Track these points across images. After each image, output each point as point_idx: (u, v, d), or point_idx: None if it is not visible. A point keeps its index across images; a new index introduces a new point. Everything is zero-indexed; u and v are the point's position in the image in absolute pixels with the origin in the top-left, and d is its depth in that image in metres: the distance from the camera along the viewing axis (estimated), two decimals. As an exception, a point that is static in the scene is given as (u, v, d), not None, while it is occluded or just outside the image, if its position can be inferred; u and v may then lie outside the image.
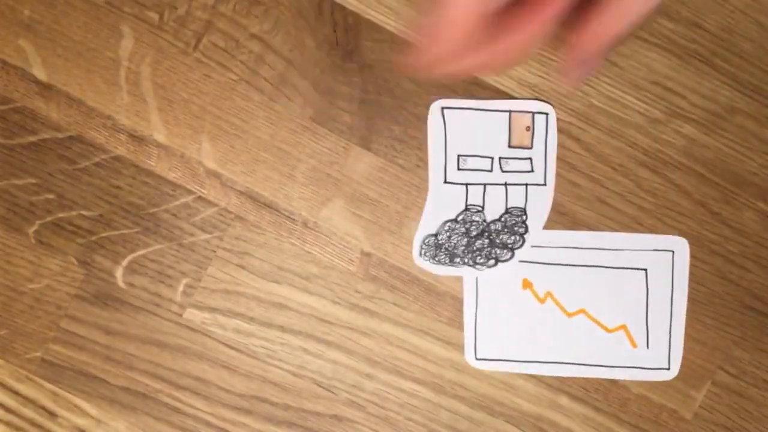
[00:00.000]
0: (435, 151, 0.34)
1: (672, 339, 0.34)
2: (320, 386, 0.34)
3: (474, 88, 0.34)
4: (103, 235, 0.34)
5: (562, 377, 0.34)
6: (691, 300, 0.34)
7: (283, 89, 0.34)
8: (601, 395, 0.34)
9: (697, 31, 0.34)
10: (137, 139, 0.33)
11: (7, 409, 0.33)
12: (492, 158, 0.34)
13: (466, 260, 0.34)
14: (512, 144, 0.34)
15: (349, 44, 0.33)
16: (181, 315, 0.34)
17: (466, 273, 0.34)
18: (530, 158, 0.34)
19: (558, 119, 0.34)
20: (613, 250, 0.34)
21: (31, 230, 0.33)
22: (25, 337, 0.33)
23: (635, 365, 0.34)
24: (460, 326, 0.34)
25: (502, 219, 0.34)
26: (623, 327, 0.34)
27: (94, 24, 0.33)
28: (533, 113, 0.34)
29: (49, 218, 0.33)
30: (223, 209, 0.34)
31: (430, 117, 0.34)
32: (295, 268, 0.34)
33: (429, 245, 0.34)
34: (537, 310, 0.34)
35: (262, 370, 0.34)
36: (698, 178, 0.34)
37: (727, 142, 0.34)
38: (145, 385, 0.34)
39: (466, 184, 0.34)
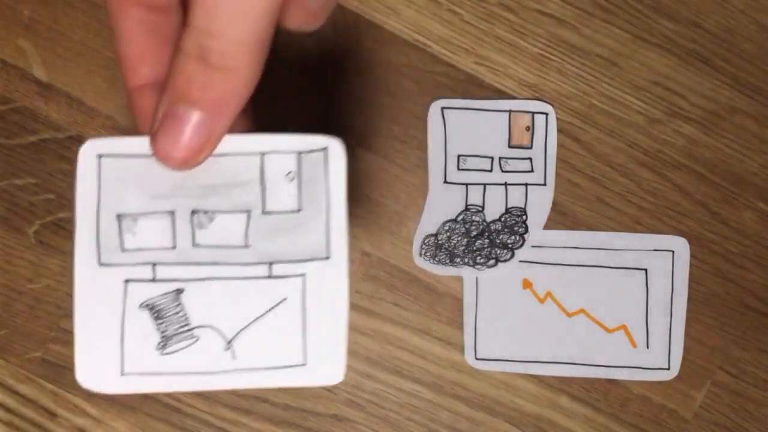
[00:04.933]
0: (435, 151, 0.34)
1: (672, 339, 0.34)
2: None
3: (474, 88, 0.34)
4: (103, 235, 0.34)
5: (562, 377, 0.34)
6: (691, 300, 0.34)
7: (282, 89, 0.34)
8: (601, 395, 0.34)
9: (697, 31, 0.34)
10: (137, 139, 0.33)
11: (7, 409, 0.33)
12: (492, 158, 0.34)
13: (466, 260, 0.34)
14: (512, 144, 0.34)
15: (349, 44, 0.33)
16: (181, 315, 0.34)
17: (466, 273, 0.34)
18: (530, 158, 0.34)
19: (558, 119, 0.34)
20: (613, 250, 0.34)
21: (31, 230, 0.33)
22: (25, 337, 0.33)
23: (635, 365, 0.34)
24: (460, 326, 0.34)
25: (502, 219, 0.34)
26: (623, 327, 0.34)
27: (94, 24, 0.33)
28: (533, 113, 0.34)
29: (49, 218, 0.33)
30: (223, 209, 0.34)
31: (430, 117, 0.34)
32: (295, 268, 0.34)
33: (429, 245, 0.34)
34: (537, 310, 0.34)
35: (262, 370, 0.34)
36: (698, 178, 0.34)
37: (727, 142, 0.34)
38: (145, 385, 0.34)
39: (466, 184, 0.34)
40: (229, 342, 0.20)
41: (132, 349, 0.20)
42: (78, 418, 0.33)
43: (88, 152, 0.20)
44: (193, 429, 0.34)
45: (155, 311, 0.20)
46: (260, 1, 0.17)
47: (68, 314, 0.34)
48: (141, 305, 0.20)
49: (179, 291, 0.20)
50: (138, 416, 0.34)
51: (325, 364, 0.20)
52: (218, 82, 0.18)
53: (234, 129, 0.19)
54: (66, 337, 0.34)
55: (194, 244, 0.20)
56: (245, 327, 0.20)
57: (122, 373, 0.20)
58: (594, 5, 0.34)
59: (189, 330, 0.20)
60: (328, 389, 0.34)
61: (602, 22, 0.34)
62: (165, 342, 0.20)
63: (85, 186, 0.20)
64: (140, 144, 0.20)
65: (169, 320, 0.20)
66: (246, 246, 0.20)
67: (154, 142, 0.19)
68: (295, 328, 0.20)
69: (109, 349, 0.20)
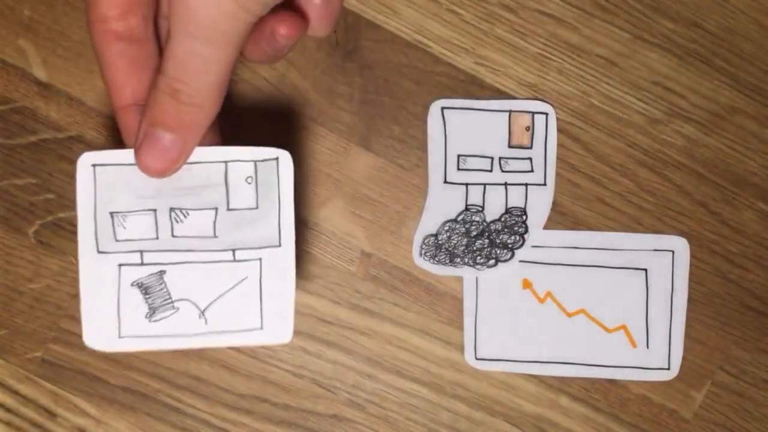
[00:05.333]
0: (435, 151, 0.34)
1: (672, 339, 0.34)
2: (320, 386, 0.34)
3: (474, 88, 0.34)
4: (103, 235, 0.34)
5: (562, 377, 0.34)
6: (691, 300, 0.34)
7: (282, 89, 0.34)
8: (601, 395, 0.34)
9: (697, 31, 0.34)
10: (137, 139, 0.33)
11: (7, 409, 0.33)
12: (492, 158, 0.34)
13: (466, 260, 0.34)
14: (512, 144, 0.34)
15: (349, 44, 0.33)
16: (181, 315, 0.34)
17: (466, 273, 0.34)
18: (530, 158, 0.34)
19: (558, 119, 0.34)
20: (613, 250, 0.34)
21: (31, 230, 0.33)
22: (25, 337, 0.33)
23: (635, 365, 0.34)
24: (460, 326, 0.34)
25: (502, 219, 0.34)
26: (623, 327, 0.34)
27: (94, 24, 0.33)
28: (533, 113, 0.34)
29: (49, 218, 0.33)
30: (223, 209, 0.34)
31: (430, 117, 0.34)
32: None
33: (429, 245, 0.34)
34: (537, 310, 0.34)
35: (262, 370, 0.34)
36: (698, 178, 0.34)
37: (727, 142, 0.34)
38: (145, 385, 0.34)
39: (466, 184, 0.34)
40: (203, 311, 0.26)
41: (126, 317, 0.25)
42: (78, 418, 0.33)
43: (84, 162, 0.25)
44: (193, 429, 0.34)
45: (144, 288, 0.25)
46: (219, 59, 0.22)
47: (68, 314, 0.34)
48: (132, 284, 0.25)
49: (162, 272, 0.26)
50: (138, 416, 0.34)
51: (277, 327, 0.26)
52: (187, 113, 0.23)
53: (203, 141, 0.24)
54: (66, 337, 0.34)
55: (173, 235, 0.25)
56: (215, 299, 0.26)
57: (119, 336, 0.25)
58: (594, 5, 0.34)
59: (171, 302, 0.26)
60: (328, 389, 0.34)
61: (602, 22, 0.34)
62: (152, 312, 0.25)
63: (83, 190, 0.25)
64: (127, 155, 0.25)
65: (155, 295, 0.26)
66: (214, 236, 0.26)
67: (137, 155, 0.24)
68: (254, 300, 0.26)
69: (109, 318, 0.25)
